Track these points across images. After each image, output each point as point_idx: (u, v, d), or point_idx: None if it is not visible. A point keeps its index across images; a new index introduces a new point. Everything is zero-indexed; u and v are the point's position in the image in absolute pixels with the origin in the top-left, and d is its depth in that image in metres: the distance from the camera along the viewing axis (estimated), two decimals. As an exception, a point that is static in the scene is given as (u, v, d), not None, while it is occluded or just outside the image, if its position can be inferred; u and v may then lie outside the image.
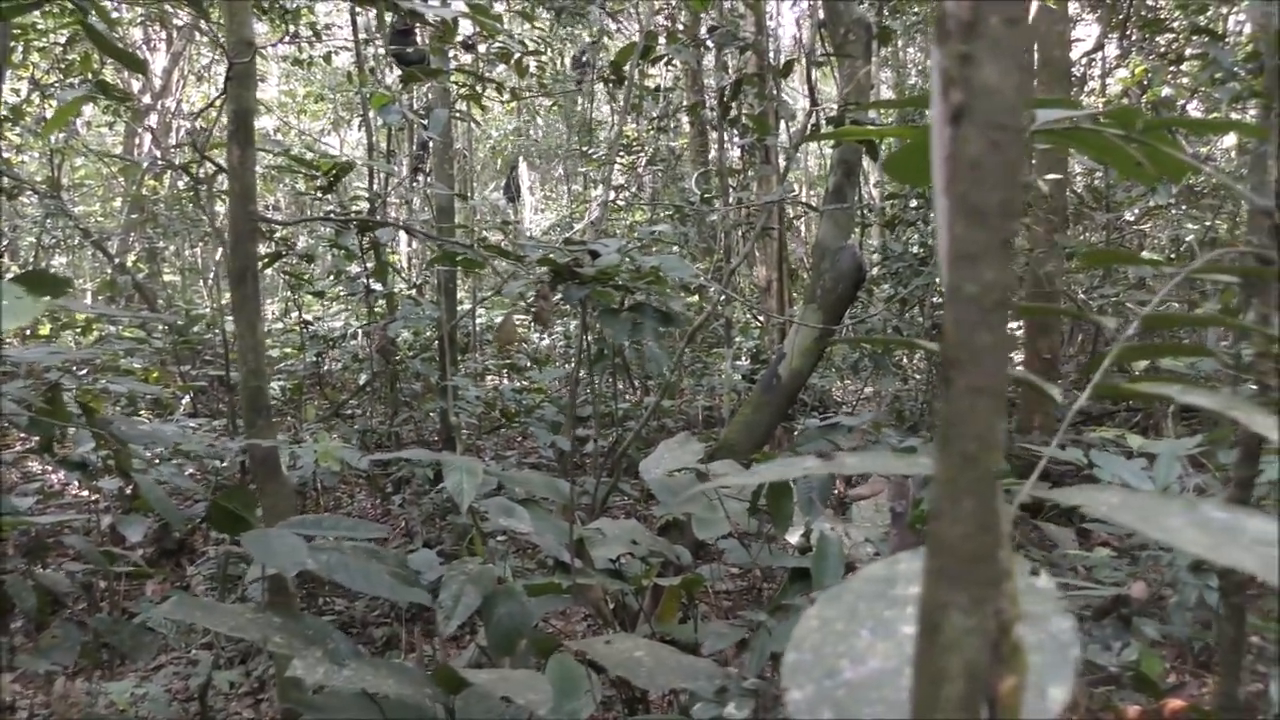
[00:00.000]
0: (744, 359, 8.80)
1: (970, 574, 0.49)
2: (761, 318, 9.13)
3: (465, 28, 6.14)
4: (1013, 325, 8.22)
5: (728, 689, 2.26)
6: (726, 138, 9.08)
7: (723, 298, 6.45)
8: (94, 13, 3.24)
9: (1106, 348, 1.06)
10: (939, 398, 0.51)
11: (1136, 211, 8.33)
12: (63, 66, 8.37)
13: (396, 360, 7.02)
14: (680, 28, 9.14)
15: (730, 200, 8.63)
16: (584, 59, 9.96)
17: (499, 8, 8.23)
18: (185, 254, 13.09)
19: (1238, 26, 9.46)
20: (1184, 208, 8.07)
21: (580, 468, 6.55)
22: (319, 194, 6.41)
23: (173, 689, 4.14)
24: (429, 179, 7.17)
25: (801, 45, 8.25)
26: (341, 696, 2.20)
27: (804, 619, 0.70)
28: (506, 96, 8.09)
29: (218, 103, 4.66)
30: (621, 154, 10.31)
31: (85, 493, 5.76)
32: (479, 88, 6.44)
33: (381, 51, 8.10)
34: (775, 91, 6.96)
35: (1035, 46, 7.23)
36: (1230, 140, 9.29)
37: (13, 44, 7.01)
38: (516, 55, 6.51)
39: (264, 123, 15.14)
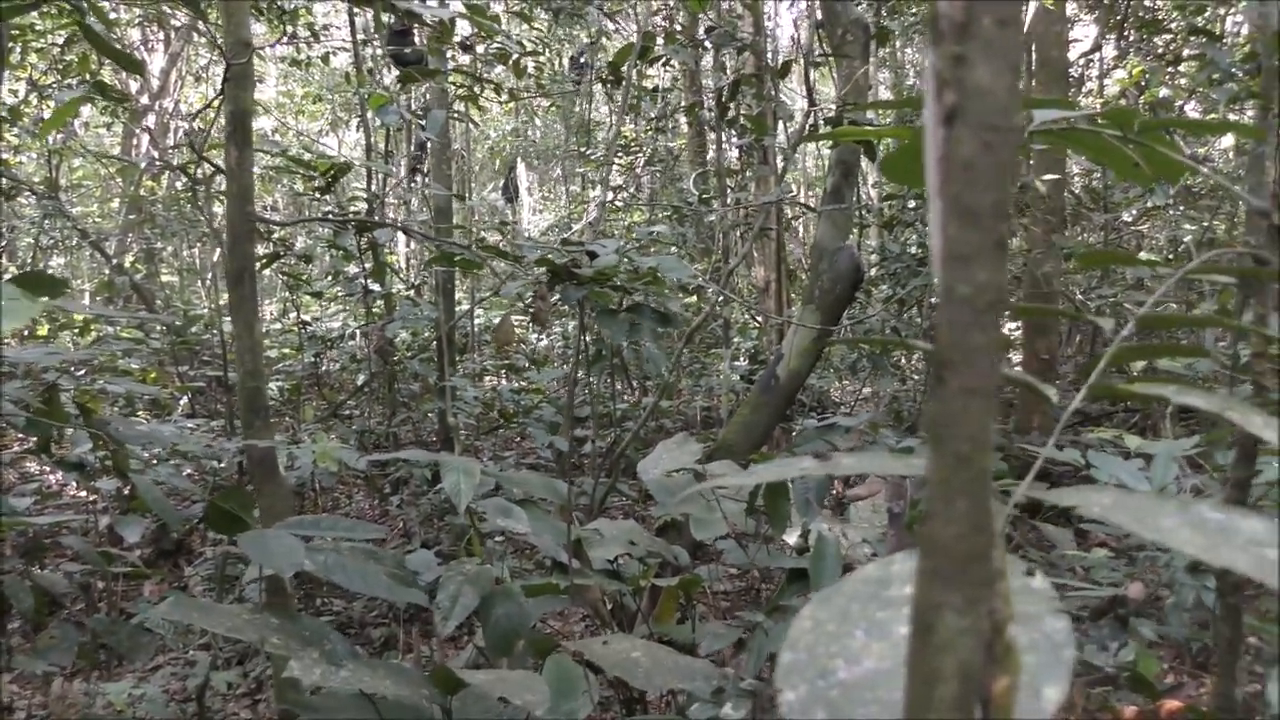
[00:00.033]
0: (742, 359, 8.80)
1: (963, 574, 0.49)
2: (760, 318, 9.13)
3: (463, 28, 6.15)
4: (1011, 326, 8.22)
5: (725, 689, 2.26)
6: (724, 138, 9.08)
7: (721, 298, 6.45)
8: (92, 14, 3.24)
9: (1104, 348, 1.06)
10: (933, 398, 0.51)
11: (1134, 212, 8.34)
12: (61, 67, 8.36)
13: (394, 361, 7.02)
14: (678, 28, 9.14)
15: (728, 201, 8.64)
16: (582, 60, 9.97)
17: (497, 8, 8.23)
18: (183, 255, 13.08)
19: (1235, 27, 9.48)
20: (1182, 209, 8.07)
21: (578, 468, 6.55)
22: (317, 195, 6.41)
23: (170, 689, 4.14)
24: (427, 179, 7.17)
25: (799, 46, 8.25)
26: (339, 697, 2.20)
27: (798, 620, 0.70)
28: (504, 97, 8.09)
29: (215, 103, 4.66)
30: (619, 154, 10.31)
31: (83, 493, 5.75)
32: (477, 88, 6.44)
33: (379, 52, 8.10)
34: (773, 92, 6.96)
35: (1033, 47, 7.24)
36: (1228, 141, 9.30)
37: (11, 44, 7.01)
38: (514, 56, 6.52)
39: (262, 123, 15.14)
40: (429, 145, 6.96)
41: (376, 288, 6.86)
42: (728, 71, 8.80)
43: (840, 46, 5.66)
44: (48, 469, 6.25)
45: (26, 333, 8.18)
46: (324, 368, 8.60)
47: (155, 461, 4.99)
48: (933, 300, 6.88)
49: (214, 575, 4.68)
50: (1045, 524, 4.24)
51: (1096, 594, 2.87)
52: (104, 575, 4.13)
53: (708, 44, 7.10)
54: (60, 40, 8.19)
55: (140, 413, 7.51)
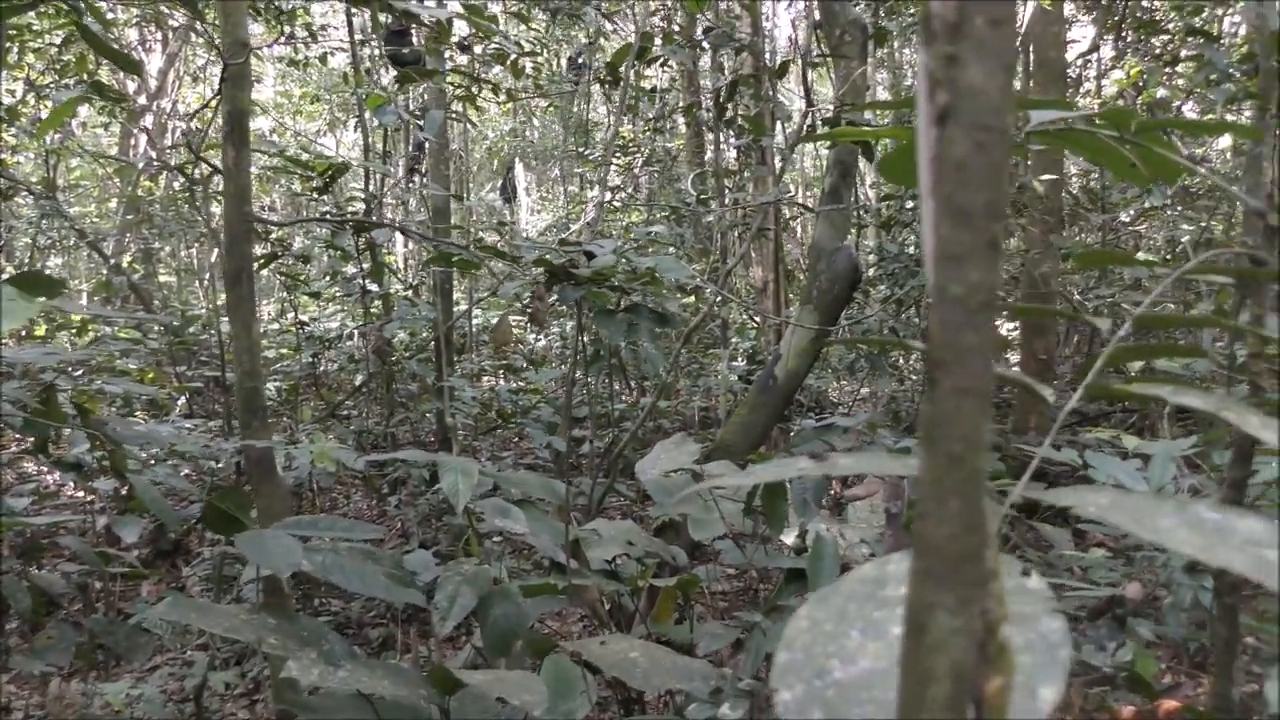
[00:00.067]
0: (740, 360, 8.80)
1: (956, 574, 0.49)
2: (758, 319, 9.13)
3: (461, 28, 6.14)
4: (1009, 326, 8.23)
5: (722, 689, 2.26)
6: (722, 139, 9.08)
7: (719, 299, 6.45)
8: (89, 13, 3.24)
9: (1102, 349, 1.06)
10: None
11: (1132, 213, 8.35)
12: (58, 67, 8.36)
13: (393, 361, 7.02)
14: (676, 29, 9.15)
15: (726, 201, 8.64)
16: (580, 60, 9.96)
17: (494, 9, 8.23)
18: (181, 255, 13.08)
19: (1233, 28, 9.48)
20: (1180, 209, 8.08)
21: (576, 468, 6.55)
22: (315, 195, 6.41)
23: (168, 690, 4.14)
24: (425, 180, 7.17)
25: (797, 46, 8.26)
26: (336, 697, 2.20)
27: (794, 619, 0.70)
28: (502, 97, 8.09)
29: (213, 104, 4.66)
30: (617, 155, 10.31)
31: (80, 493, 5.75)
32: (475, 89, 6.44)
33: (377, 52, 8.10)
34: (771, 92, 6.96)
35: (1031, 48, 7.25)
36: (1226, 141, 9.31)
37: (8, 44, 7.00)
38: (512, 56, 6.52)
39: (260, 123, 15.14)
40: (427, 145, 6.96)
41: (374, 288, 6.86)
42: (726, 72, 8.80)
43: (838, 47, 5.66)
44: (45, 469, 6.25)
45: (24, 333, 8.17)
46: (322, 368, 8.59)
47: (153, 462, 4.99)
48: (929, 300, 6.87)
49: (212, 575, 4.67)
50: (1043, 524, 4.25)
51: (1094, 594, 2.87)
52: (102, 575, 4.13)
53: (705, 44, 7.10)
54: (58, 40, 8.19)
55: (138, 413, 7.51)
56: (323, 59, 9.80)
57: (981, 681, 0.53)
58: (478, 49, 6.62)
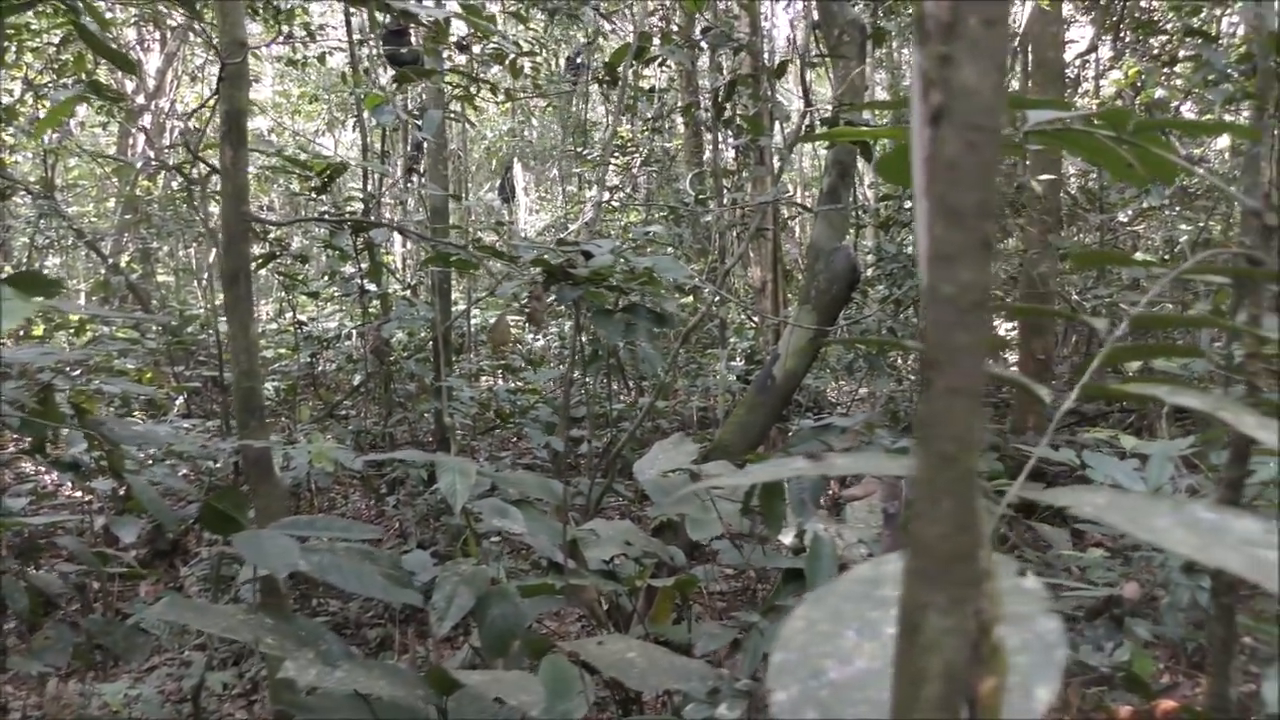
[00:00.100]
0: (738, 360, 8.80)
1: (949, 574, 0.49)
2: (756, 319, 9.13)
3: (459, 28, 6.14)
4: (1007, 326, 8.23)
5: (720, 690, 2.26)
6: (721, 139, 9.08)
7: (717, 299, 6.46)
8: (87, 13, 3.24)
9: (1100, 349, 1.07)
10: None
11: (1130, 213, 8.36)
12: (56, 67, 8.35)
13: (391, 361, 7.02)
14: (674, 29, 9.15)
15: (725, 201, 8.63)
16: (578, 60, 9.96)
17: (492, 8, 8.23)
18: (179, 255, 13.08)
19: (1231, 28, 9.48)
20: (1178, 209, 8.09)
21: (574, 468, 6.55)
22: (313, 195, 6.41)
23: (166, 690, 4.14)
24: (423, 180, 7.17)
25: (796, 46, 8.26)
26: (334, 698, 2.20)
27: (791, 619, 0.70)
28: (501, 97, 8.09)
29: (211, 103, 4.66)
30: (616, 155, 10.31)
31: (78, 494, 5.75)
32: (473, 88, 6.44)
33: (375, 52, 8.09)
34: (770, 92, 6.96)
35: (1029, 48, 7.25)
36: (1224, 142, 9.32)
37: (6, 44, 7.00)
38: (511, 56, 6.51)
39: (258, 123, 15.13)
40: (425, 145, 6.96)
41: (372, 288, 6.85)
42: (724, 72, 8.80)
43: (836, 47, 5.66)
44: (43, 469, 6.24)
45: (22, 332, 8.16)
46: (320, 368, 8.59)
47: (151, 462, 4.99)
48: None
49: (209, 576, 4.67)
50: (1041, 524, 4.25)
51: (1092, 594, 2.87)
52: (99, 576, 4.12)
53: (704, 44, 7.10)
54: (56, 39, 8.18)
55: (136, 413, 7.50)
56: (321, 59, 9.80)
57: (975, 681, 0.53)
58: (476, 49, 6.63)
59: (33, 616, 3.04)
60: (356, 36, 8.17)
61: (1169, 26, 8.69)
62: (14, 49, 7.93)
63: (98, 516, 5.00)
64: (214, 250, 9.44)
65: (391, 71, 6.38)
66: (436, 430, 6.36)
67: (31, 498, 4.54)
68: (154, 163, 10.07)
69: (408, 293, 7.88)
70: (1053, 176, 6.72)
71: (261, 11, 7.31)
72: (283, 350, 9.40)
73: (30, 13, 5.67)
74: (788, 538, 3.23)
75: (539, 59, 10.40)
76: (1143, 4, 9.28)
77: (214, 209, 8.14)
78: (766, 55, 8.51)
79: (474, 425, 7.79)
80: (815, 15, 6.58)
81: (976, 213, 0.47)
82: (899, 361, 8.24)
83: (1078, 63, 9.46)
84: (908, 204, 7.17)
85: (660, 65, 9.29)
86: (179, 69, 13.66)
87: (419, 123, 6.14)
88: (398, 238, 10.67)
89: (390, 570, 2.51)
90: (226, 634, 2.13)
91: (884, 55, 13.36)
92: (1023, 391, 6.10)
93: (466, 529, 3.19)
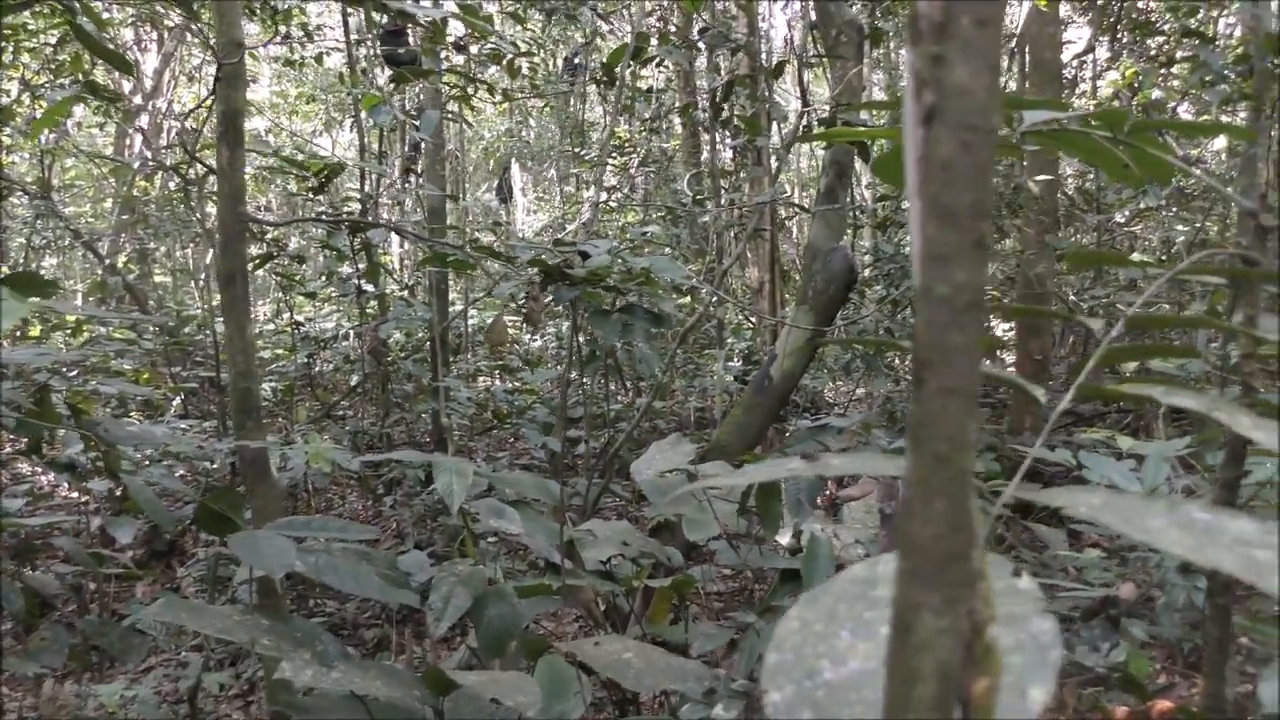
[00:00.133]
0: (736, 360, 8.80)
1: (942, 574, 0.49)
2: (753, 319, 9.14)
3: (456, 29, 6.14)
4: (1004, 326, 8.24)
5: (717, 690, 2.26)
6: (718, 139, 9.08)
7: (714, 299, 6.45)
8: (84, 13, 3.23)
9: (1097, 349, 1.07)
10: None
11: (1127, 213, 8.36)
12: (53, 67, 8.34)
13: (388, 361, 7.01)
14: (672, 29, 9.15)
15: (722, 201, 8.64)
16: (576, 60, 9.96)
17: (490, 9, 8.23)
18: (176, 255, 13.06)
19: (1228, 29, 9.50)
20: (1175, 210, 8.09)
21: (572, 469, 6.55)
22: (310, 195, 6.40)
23: (162, 691, 4.14)
24: (421, 180, 7.16)
25: (793, 47, 8.26)
26: (331, 698, 2.20)
27: (786, 620, 0.70)
28: (498, 98, 8.08)
29: (208, 103, 4.66)
30: (613, 155, 10.31)
31: (75, 494, 5.74)
32: (471, 89, 6.43)
33: (373, 52, 8.09)
34: (767, 93, 6.97)
35: (1026, 48, 7.25)
36: (1221, 143, 9.33)
37: (3, 44, 6.99)
38: (508, 56, 6.51)
39: (256, 124, 15.12)
40: (423, 146, 6.96)
41: (370, 288, 6.85)
42: (722, 72, 8.80)
43: (834, 47, 5.66)
44: (39, 470, 6.23)
45: (18, 333, 8.15)
46: (317, 368, 8.59)
47: (147, 462, 4.98)
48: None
49: (206, 576, 4.67)
50: (1038, 524, 4.25)
51: (1088, 594, 2.87)
52: (96, 576, 4.12)
53: (702, 45, 7.10)
54: (52, 40, 8.17)
55: (133, 414, 7.50)
56: (318, 59, 9.79)
57: (968, 682, 0.53)
58: (473, 49, 6.62)
59: (29, 617, 3.03)
60: (354, 37, 8.17)
61: (1166, 27, 8.70)
62: (11, 49, 7.92)
63: (94, 517, 5.00)
64: (211, 251, 9.43)
65: (389, 72, 6.38)
66: (434, 431, 6.36)
67: (28, 498, 4.53)
68: (151, 163, 10.07)
69: (405, 293, 7.88)
70: (1050, 177, 6.72)
71: (259, 12, 7.30)
72: (280, 351, 9.39)
73: (27, 13, 5.66)
74: (785, 538, 3.23)
75: (536, 59, 10.40)
76: (1140, 5, 9.29)
77: (211, 209, 8.14)
78: (764, 56, 8.51)
79: (471, 426, 7.79)
80: (813, 15, 6.58)
81: (970, 213, 0.47)
82: (896, 362, 8.24)
83: (1075, 63, 9.46)
84: (905, 204, 7.17)
85: (658, 66, 9.29)
86: (176, 69, 13.65)
87: (416, 123, 6.14)
88: (395, 238, 10.67)
89: (387, 571, 2.51)
90: (223, 635, 2.13)
91: (881, 56, 13.37)
92: (1019, 392, 6.10)
93: (464, 529, 3.19)
